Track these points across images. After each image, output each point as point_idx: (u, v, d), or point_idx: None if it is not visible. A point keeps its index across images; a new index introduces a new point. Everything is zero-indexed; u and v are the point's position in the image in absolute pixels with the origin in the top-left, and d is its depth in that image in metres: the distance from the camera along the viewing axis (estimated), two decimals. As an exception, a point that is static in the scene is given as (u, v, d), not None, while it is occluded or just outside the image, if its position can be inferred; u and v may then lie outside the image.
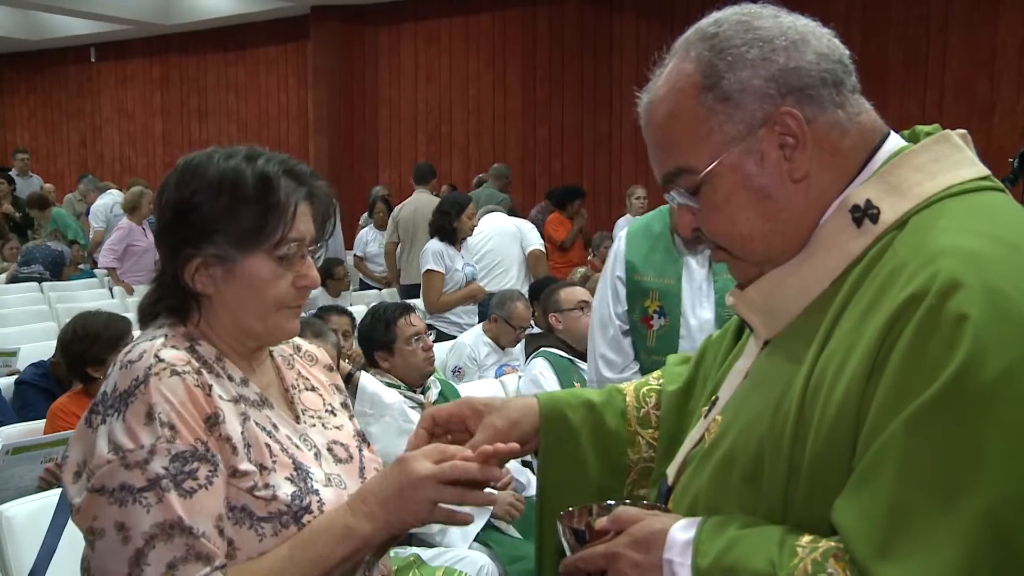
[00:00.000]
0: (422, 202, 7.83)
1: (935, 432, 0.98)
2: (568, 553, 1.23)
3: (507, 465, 3.70)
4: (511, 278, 6.77)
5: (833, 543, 1.04)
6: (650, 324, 3.56)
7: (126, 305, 7.51)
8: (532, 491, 3.67)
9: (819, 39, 1.19)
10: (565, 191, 9.69)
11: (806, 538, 1.06)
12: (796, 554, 1.04)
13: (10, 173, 12.24)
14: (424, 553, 3.14)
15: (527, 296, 5.52)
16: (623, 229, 3.60)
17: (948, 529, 0.96)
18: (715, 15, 1.22)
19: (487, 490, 1.42)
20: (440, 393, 3.73)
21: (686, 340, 3.55)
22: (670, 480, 1.35)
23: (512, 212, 8.36)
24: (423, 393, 3.64)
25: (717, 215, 1.22)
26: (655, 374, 1.64)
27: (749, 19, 1.20)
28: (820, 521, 1.07)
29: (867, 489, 1.02)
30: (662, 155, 1.24)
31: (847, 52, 1.21)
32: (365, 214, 10.05)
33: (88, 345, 3.51)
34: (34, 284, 8.42)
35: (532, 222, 9.31)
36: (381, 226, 8.95)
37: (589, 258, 9.56)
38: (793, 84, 1.16)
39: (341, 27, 13.26)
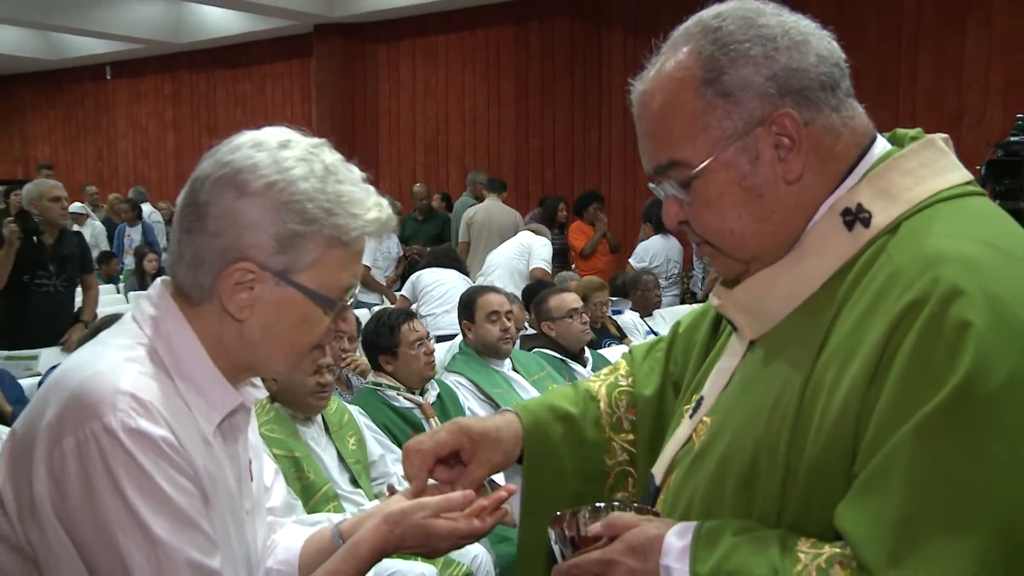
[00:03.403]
0: (495, 209, 8.27)
1: (943, 441, 0.96)
2: (560, 559, 1.20)
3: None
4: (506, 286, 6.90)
5: (837, 549, 1.01)
6: None
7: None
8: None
9: (820, 40, 1.16)
10: (580, 199, 9.13)
11: (806, 543, 1.04)
12: (799, 560, 1.02)
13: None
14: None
15: (521, 299, 5.62)
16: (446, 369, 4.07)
17: (961, 539, 0.94)
18: (717, 8, 1.19)
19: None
20: (438, 395, 3.76)
21: None
22: (658, 480, 1.33)
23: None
24: (422, 395, 3.70)
25: (708, 211, 1.18)
26: (623, 370, 1.59)
27: (753, 15, 1.16)
28: (815, 525, 1.05)
29: (875, 497, 0.99)
30: (654, 146, 1.19)
31: (843, 55, 1.18)
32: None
33: None
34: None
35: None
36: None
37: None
38: (793, 85, 1.13)
39: (343, 44, 13.25)
